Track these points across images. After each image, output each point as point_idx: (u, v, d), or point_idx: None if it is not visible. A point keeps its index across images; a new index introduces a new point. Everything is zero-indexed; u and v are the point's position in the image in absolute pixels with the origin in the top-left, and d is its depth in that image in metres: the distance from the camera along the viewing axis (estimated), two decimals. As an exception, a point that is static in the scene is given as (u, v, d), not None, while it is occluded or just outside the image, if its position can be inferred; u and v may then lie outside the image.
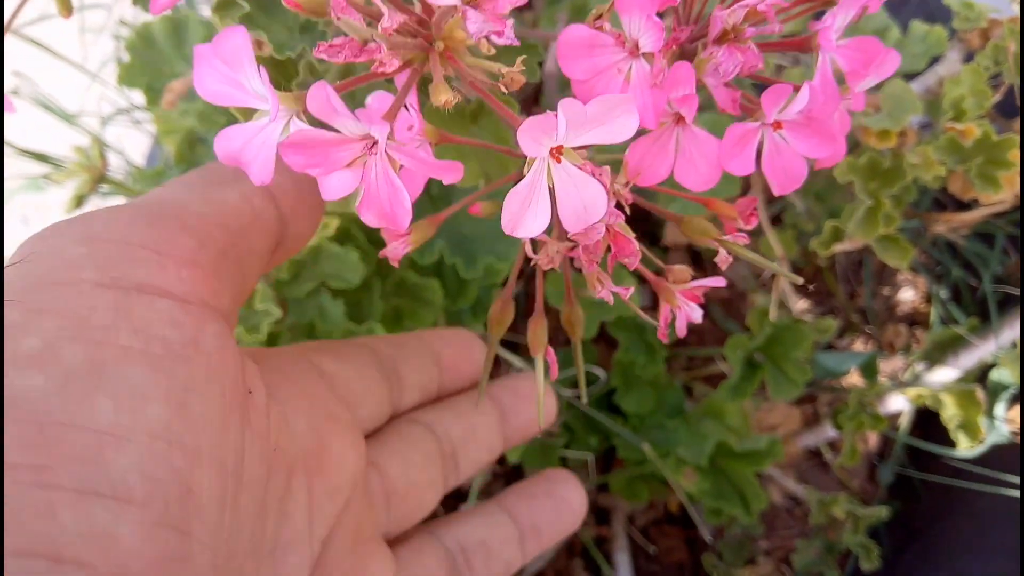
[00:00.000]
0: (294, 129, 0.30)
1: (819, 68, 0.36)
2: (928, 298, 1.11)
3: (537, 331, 0.42)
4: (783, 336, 0.79)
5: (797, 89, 0.35)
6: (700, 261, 1.08)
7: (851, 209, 0.73)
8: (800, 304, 1.12)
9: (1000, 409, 0.89)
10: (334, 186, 0.30)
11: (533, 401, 0.52)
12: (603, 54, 0.36)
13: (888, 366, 1.07)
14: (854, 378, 1.05)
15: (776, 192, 0.38)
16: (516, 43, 0.30)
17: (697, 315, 0.40)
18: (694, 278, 0.40)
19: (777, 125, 0.37)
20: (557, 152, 0.30)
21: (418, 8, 0.32)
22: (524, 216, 0.30)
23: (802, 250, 0.98)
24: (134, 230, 0.33)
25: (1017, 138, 0.64)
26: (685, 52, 0.39)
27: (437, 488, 0.51)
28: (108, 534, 0.27)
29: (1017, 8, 0.74)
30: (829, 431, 1.00)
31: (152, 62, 0.71)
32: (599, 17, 0.36)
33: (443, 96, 0.29)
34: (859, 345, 1.11)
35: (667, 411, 0.89)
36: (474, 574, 0.51)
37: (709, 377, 1.05)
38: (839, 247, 0.77)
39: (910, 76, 0.81)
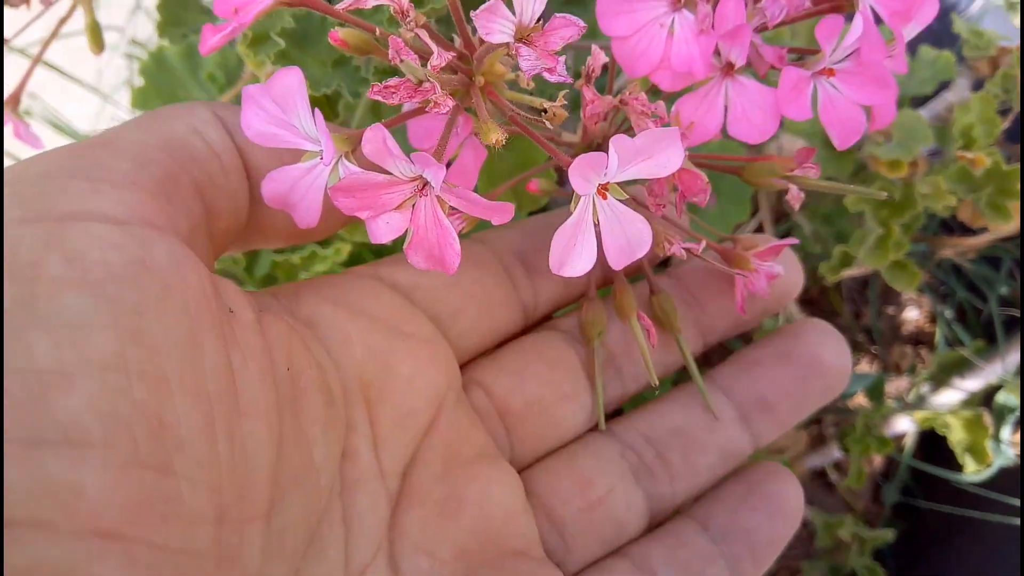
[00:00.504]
0: (343, 171, 0.30)
1: (861, 10, 0.34)
2: (933, 317, 1.11)
3: (624, 298, 0.41)
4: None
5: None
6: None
7: (860, 235, 0.74)
8: (805, 323, 1.12)
9: (1006, 432, 0.90)
10: (383, 229, 0.30)
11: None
12: (643, 8, 0.35)
13: (893, 385, 1.07)
14: (860, 398, 1.06)
15: (838, 145, 0.37)
16: (568, 80, 0.29)
17: (779, 269, 0.39)
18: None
19: (829, 72, 0.36)
20: (603, 188, 0.30)
21: (458, 43, 0.32)
22: (571, 255, 0.30)
23: (809, 271, 0.98)
24: (60, 163, 0.30)
25: (1028, 168, 0.64)
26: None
27: (579, 401, 0.43)
28: (68, 485, 0.23)
29: (1026, 37, 0.74)
30: (835, 452, 1.00)
31: (166, 86, 0.71)
32: None
33: (493, 135, 0.29)
34: (864, 365, 1.11)
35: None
36: (672, 471, 0.42)
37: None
38: (848, 272, 0.78)
39: (919, 101, 0.81)
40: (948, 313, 1.06)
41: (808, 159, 0.37)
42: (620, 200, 0.30)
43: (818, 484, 1.06)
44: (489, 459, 0.41)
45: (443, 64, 0.28)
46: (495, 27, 0.28)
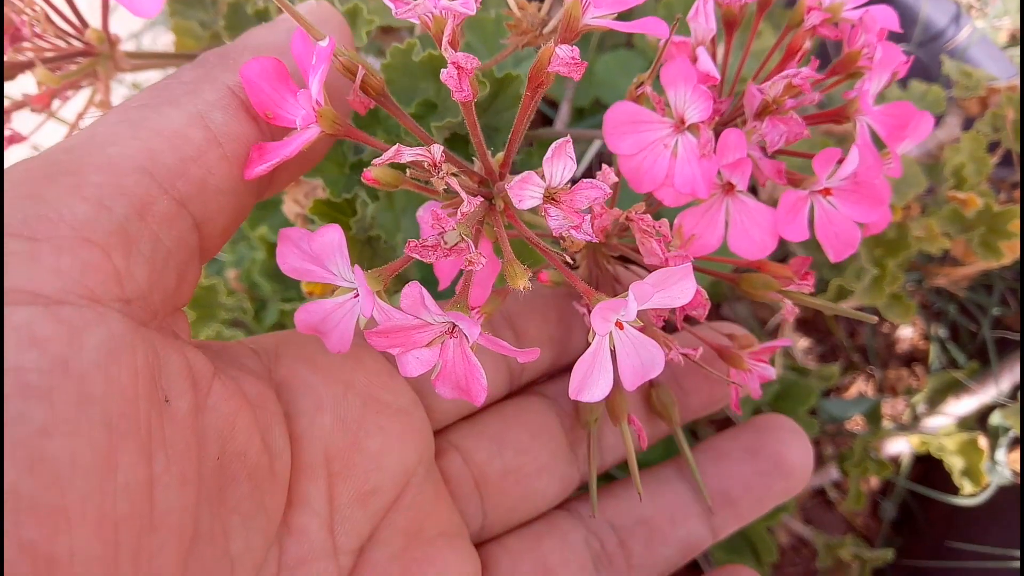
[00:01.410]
0: (375, 308, 0.31)
1: (859, 132, 0.36)
2: (927, 334, 1.13)
3: (616, 399, 0.42)
4: (790, 391, 0.81)
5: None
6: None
7: (855, 269, 0.75)
8: (801, 342, 1.14)
9: (1001, 453, 0.91)
10: (413, 363, 0.31)
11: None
12: (649, 130, 0.36)
13: (890, 405, 1.09)
14: (857, 417, 1.07)
15: (832, 259, 0.38)
16: (594, 239, 0.30)
17: (771, 373, 0.40)
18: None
19: (826, 192, 0.37)
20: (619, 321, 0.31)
21: (478, 167, 0.33)
22: (588, 382, 0.31)
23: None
24: (9, 204, 0.26)
25: (1017, 208, 0.66)
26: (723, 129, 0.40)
27: (556, 473, 0.42)
28: None
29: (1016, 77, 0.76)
30: (834, 472, 1.02)
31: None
32: (640, 84, 0.37)
33: (520, 281, 0.30)
34: (860, 384, 1.13)
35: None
36: (632, 560, 0.42)
37: (713, 419, 1.07)
38: (844, 304, 0.79)
39: (910, 136, 0.83)
40: (942, 332, 1.08)
41: (805, 267, 0.38)
42: (636, 327, 0.32)
43: (818, 502, 1.08)
44: (450, 538, 0.40)
45: (472, 210, 0.30)
46: (526, 194, 0.29)
